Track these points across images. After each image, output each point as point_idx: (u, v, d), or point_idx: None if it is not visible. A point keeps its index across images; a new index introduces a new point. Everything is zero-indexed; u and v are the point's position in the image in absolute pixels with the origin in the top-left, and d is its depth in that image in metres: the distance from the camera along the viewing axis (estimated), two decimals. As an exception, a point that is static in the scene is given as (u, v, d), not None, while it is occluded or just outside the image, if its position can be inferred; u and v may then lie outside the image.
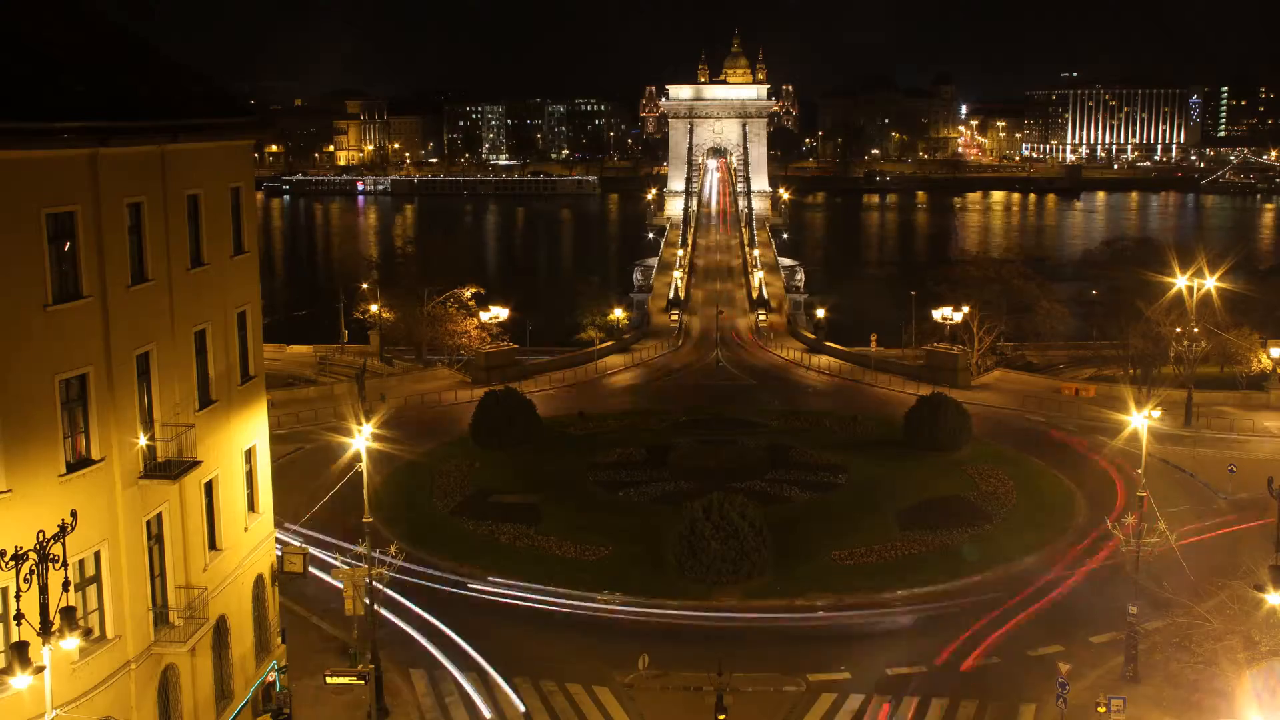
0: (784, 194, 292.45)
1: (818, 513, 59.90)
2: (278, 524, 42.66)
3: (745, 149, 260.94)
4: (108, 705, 29.29)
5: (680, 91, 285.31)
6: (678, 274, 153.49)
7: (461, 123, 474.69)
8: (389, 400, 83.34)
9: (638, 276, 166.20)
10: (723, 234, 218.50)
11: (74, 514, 23.99)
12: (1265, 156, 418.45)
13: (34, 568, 22.25)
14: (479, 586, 51.35)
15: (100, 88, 30.81)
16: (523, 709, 40.62)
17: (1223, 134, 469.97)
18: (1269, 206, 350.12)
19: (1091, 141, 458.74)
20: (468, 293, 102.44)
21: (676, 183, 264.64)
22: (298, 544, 46.90)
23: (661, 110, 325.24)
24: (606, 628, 47.36)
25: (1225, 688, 35.35)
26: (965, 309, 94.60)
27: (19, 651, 21.32)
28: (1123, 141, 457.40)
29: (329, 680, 38.75)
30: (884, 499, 61.47)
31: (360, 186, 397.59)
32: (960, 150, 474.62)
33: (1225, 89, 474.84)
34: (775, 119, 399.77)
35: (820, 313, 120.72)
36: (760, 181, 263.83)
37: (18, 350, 26.79)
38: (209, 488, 34.83)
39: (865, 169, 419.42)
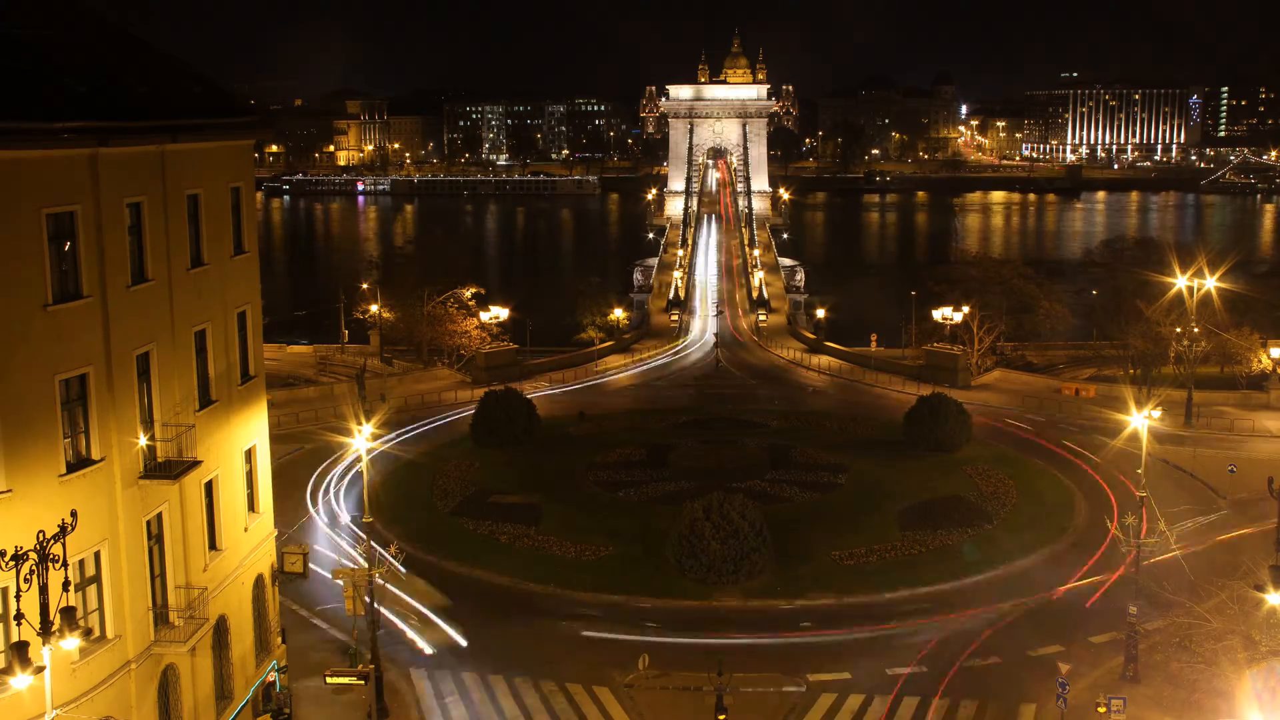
0: (784, 194, 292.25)
1: (818, 513, 59.89)
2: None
3: (745, 149, 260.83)
4: (108, 705, 29.29)
5: (680, 91, 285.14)
6: (678, 274, 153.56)
7: (461, 123, 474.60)
8: (389, 400, 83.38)
9: (638, 276, 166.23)
10: (723, 234, 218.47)
11: (74, 514, 24.01)
12: (1265, 156, 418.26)
13: (34, 568, 22.26)
14: (478, 586, 51.29)
15: (100, 88, 30.81)
16: (523, 709, 40.62)
17: (1223, 134, 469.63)
18: (1269, 206, 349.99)
19: (1091, 141, 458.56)
20: (468, 293, 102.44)
21: (676, 183, 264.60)
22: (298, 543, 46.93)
23: (661, 110, 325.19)
24: (607, 628, 47.31)
25: (1225, 688, 35.32)
26: (965, 309, 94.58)
27: (19, 651, 21.33)
28: (1123, 141, 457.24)
29: (329, 680, 38.75)
30: (884, 499, 61.47)
31: (360, 186, 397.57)
32: (960, 150, 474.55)
33: (1225, 89, 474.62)
34: (775, 119, 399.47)
35: (820, 313, 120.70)
36: (760, 181, 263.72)
37: (18, 350, 26.80)
38: (209, 488, 34.84)
39: (865, 169, 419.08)
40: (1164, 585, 42.46)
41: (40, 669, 21.85)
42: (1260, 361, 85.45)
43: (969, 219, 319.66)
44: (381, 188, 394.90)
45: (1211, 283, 79.38)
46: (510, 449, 70.64)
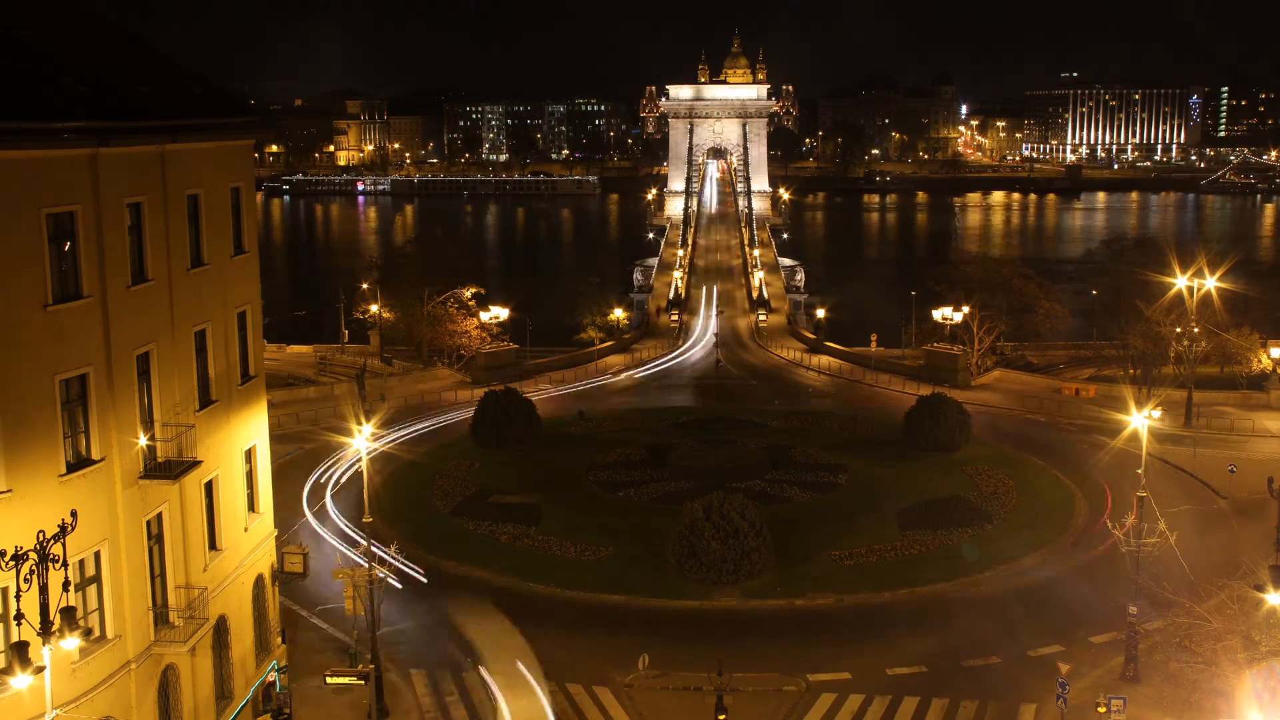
0: (784, 194, 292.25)
1: (818, 513, 59.89)
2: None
3: (745, 149, 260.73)
4: (108, 705, 29.29)
5: (680, 91, 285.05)
6: (678, 274, 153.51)
7: (461, 123, 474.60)
8: (389, 400, 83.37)
9: (638, 276, 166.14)
10: (723, 234, 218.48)
11: (74, 514, 24.02)
12: (1265, 156, 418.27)
13: (34, 568, 22.27)
14: (478, 586, 51.29)
15: (100, 88, 30.81)
16: (523, 709, 40.61)
17: (1223, 134, 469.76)
18: (1269, 206, 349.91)
19: (1091, 141, 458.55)
20: (468, 293, 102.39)
21: (676, 183, 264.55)
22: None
23: (661, 110, 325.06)
24: (606, 628, 47.34)
25: (1225, 688, 35.29)
26: (965, 309, 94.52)
27: (19, 651, 21.33)
28: (1123, 141, 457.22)
29: (329, 680, 38.74)
30: (884, 499, 61.47)
31: (360, 186, 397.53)
32: (960, 150, 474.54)
33: (1225, 89, 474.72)
34: (775, 119, 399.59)
35: (820, 313, 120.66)
36: (760, 181, 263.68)
37: (18, 350, 26.80)
38: (209, 488, 34.85)
39: (865, 169, 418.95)
40: (1164, 585, 42.43)
41: (40, 669, 21.85)
42: (1260, 361, 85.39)
43: (969, 219, 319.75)
44: (381, 188, 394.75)
45: (1211, 283, 79.30)
46: (510, 449, 70.63)
